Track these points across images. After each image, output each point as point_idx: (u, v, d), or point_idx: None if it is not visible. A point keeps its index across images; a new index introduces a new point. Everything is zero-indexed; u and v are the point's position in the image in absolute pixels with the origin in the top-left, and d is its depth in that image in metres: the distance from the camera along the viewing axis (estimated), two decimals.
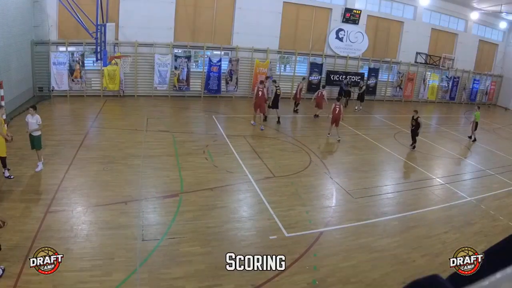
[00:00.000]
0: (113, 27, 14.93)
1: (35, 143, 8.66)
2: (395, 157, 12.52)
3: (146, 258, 5.88)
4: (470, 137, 16.07)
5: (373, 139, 14.25)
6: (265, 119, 14.66)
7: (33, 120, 8.54)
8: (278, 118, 14.75)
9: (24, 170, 8.65)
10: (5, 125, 8.64)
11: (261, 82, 14.26)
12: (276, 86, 14.77)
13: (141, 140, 11.40)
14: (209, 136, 12.63)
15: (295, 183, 9.35)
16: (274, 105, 14.68)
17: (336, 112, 13.00)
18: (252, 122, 14.39)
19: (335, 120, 13.09)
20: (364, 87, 20.01)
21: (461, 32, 25.29)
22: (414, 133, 13.08)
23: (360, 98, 19.58)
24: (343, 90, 19.85)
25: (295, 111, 17.30)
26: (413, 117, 12.94)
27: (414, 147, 13.19)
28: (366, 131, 15.67)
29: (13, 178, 8.18)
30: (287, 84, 20.57)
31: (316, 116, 16.36)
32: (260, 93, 13.72)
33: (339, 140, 13.02)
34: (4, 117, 8.65)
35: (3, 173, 8.20)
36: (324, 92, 16.31)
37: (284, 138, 13.24)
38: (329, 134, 13.44)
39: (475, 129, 15.96)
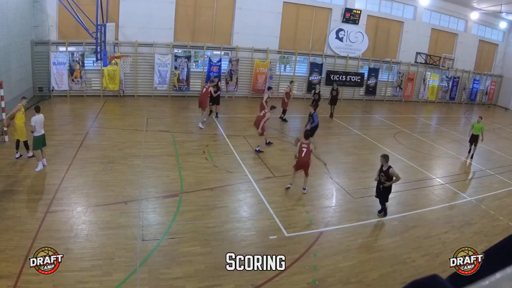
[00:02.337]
0: (113, 27, 14.92)
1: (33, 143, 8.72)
2: (395, 157, 12.50)
3: (146, 258, 5.88)
4: (470, 152, 13.33)
5: (373, 139, 14.25)
6: (210, 113, 14.43)
7: None
8: (216, 113, 14.79)
9: (25, 170, 8.65)
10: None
11: (212, 81, 14.16)
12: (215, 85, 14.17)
13: (141, 140, 11.39)
14: (209, 136, 12.63)
15: (295, 183, 9.34)
16: (217, 101, 14.48)
17: (303, 154, 8.61)
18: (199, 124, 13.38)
19: (301, 166, 8.70)
20: (317, 94, 15.90)
21: (461, 32, 25.30)
22: (385, 193, 7.95)
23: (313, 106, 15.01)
24: (319, 97, 15.85)
25: (283, 119, 15.41)
26: (382, 167, 7.90)
27: (384, 214, 8.12)
28: (366, 131, 15.68)
29: (22, 156, 9.23)
30: (287, 84, 20.57)
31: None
32: (204, 90, 13.63)
33: (304, 192, 8.85)
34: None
35: (15, 153, 9.21)
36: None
37: (284, 138, 13.23)
38: (290, 184, 8.90)
39: (474, 143, 13.09)
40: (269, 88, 14.94)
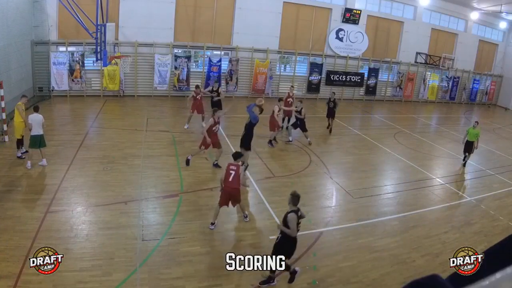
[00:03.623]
0: (113, 27, 14.92)
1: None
2: (395, 157, 12.52)
3: (146, 258, 5.88)
4: (464, 160, 12.25)
5: (373, 139, 14.25)
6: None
7: None
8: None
9: (24, 170, 8.65)
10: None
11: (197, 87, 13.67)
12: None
13: (141, 140, 11.39)
14: None
15: (295, 183, 9.34)
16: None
17: (230, 178, 6.72)
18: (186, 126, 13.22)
19: (229, 195, 6.85)
20: (300, 109, 12.67)
21: (461, 32, 25.30)
22: (279, 246, 5.40)
23: (301, 126, 12.71)
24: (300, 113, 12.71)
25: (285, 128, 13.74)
26: (290, 211, 5.33)
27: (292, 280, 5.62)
28: (366, 131, 15.69)
29: (25, 157, 9.01)
30: (287, 84, 20.56)
31: None
32: (198, 97, 13.32)
33: (246, 220, 7.36)
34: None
35: (19, 153, 9.29)
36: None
37: (284, 138, 13.22)
38: (213, 224, 6.90)
39: (468, 150, 11.92)
40: (280, 100, 12.97)
